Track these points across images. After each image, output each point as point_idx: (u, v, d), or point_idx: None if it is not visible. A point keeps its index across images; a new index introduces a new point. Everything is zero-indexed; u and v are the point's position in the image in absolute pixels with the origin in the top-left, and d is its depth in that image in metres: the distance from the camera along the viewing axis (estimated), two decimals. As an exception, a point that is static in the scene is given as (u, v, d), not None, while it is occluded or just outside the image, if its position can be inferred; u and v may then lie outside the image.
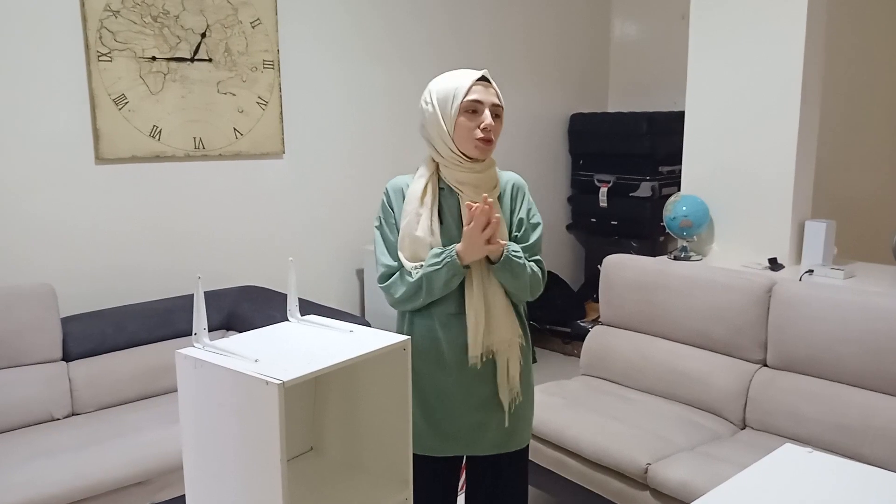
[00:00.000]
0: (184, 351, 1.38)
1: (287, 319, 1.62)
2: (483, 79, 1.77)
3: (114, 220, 3.16)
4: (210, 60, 3.32)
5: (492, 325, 1.79)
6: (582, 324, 4.61)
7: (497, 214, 1.72)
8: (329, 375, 1.62)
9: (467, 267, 1.76)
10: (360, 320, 2.80)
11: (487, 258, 1.77)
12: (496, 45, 4.53)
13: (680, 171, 3.53)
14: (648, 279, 3.01)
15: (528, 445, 1.96)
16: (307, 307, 2.65)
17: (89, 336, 2.86)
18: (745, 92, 3.20)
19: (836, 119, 4.03)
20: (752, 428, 2.65)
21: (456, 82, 1.76)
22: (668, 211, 3.36)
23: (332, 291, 3.92)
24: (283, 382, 1.22)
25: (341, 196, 3.91)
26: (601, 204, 4.73)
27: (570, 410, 2.68)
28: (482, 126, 1.74)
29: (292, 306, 1.60)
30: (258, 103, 3.49)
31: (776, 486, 1.30)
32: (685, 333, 2.90)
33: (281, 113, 3.58)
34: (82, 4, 2.95)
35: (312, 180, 3.78)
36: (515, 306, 1.85)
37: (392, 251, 1.82)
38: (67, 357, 2.82)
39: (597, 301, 3.41)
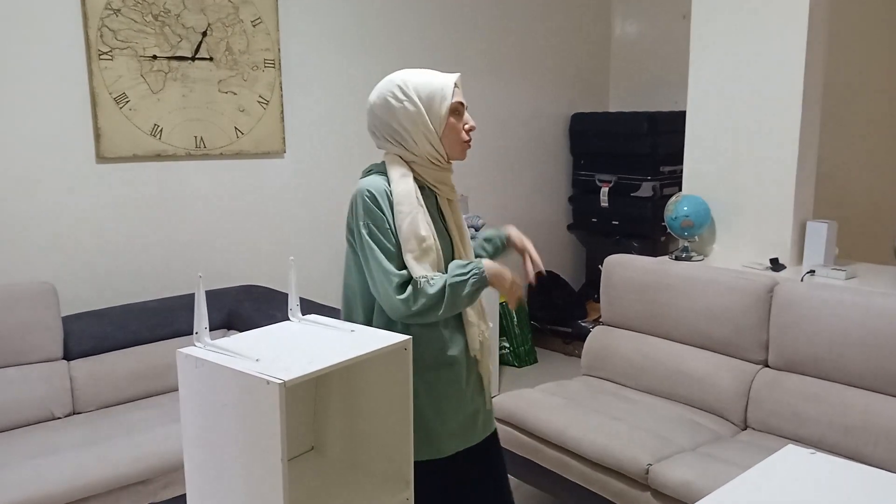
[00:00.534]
0: (185, 350, 1.38)
1: (288, 319, 1.61)
2: None
3: (115, 219, 3.16)
4: (211, 59, 3.32)
5: (480, 315, 1.84)
6: (583, 324, 4.61)
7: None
8: (330, 375, 1.62)
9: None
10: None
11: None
12: (498, 45, 4.52)
13: (681, 170, 3.52)
14: (650, 279, 3.01)
15: (496, 428, 1.98)
16: (308, 306, 2.65)
17: (90, 335, 2.86)
18: (746, 91, 3.20)
19: (837, 118, 4.03)
20: (754, 428, 2.65)
21: (440, 81, 1.72)
22: (670, 211, 3.36)
23: (334, 291, 3.92)
24: (284, 382, 1.21)
25: (342, 195, 3.91)
26: (602, 204, 4.73)
27: (570, 411, 2.67)
28: (467, 128, 1.74)
29: (293, 305, 1.60)
30: (259, 102, 3.49)
31: (778, 487, 1.30)
32: (686, 334, 2.90)
33: (282, 112, 3.57)
34: (83, 3, 2.94)
35: (313, 179, 3.78)
36: None
37: (394, 258, 1.67)
38: (68, 356, 2.82)
39: (598, 301, 3.40)
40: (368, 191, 1.69)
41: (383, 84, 1.74)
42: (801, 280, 2.82)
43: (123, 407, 2.81)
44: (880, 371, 2.37)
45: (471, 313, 1.80)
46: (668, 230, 3.41)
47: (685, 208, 3.30)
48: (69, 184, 3.03)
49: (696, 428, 2.60)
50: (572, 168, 5.04)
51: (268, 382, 1.22)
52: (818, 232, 3.01)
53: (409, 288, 1.65)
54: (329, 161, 3.84)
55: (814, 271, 2.92)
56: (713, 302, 2.80)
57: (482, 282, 1.68)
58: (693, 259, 3.29)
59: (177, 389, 1.51)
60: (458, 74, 1.78)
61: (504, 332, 4.48)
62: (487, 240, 1.97)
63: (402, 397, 1.51)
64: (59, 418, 2.71)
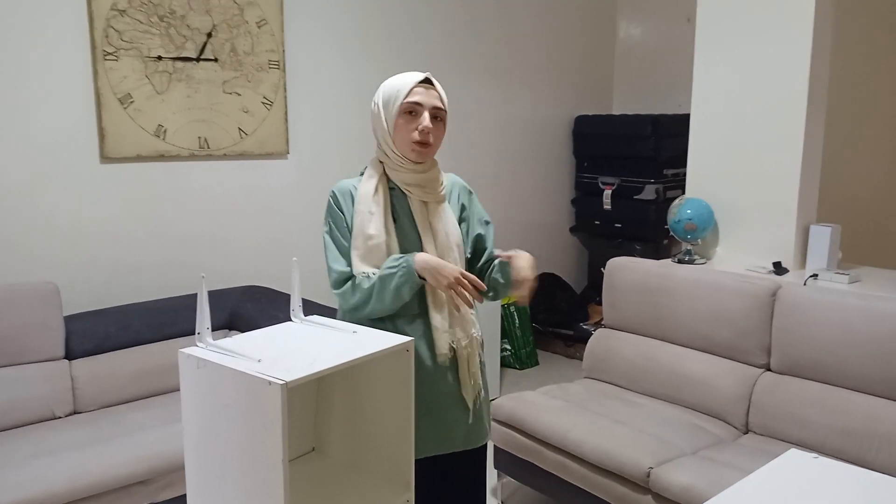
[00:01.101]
0: (187, 350, 1.38)
1: (290, 319, 1.61)
2: (426, 81, 1.77)
3: (118, 219, 3.16)
4: (216, 60, 3.32)
5: (455, 322, 1.80)
6: (585, 326, 4.60)
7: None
8: (332, 376, 1.61)
9: (423, 279, 1.71)
10: (363, 321, 2.80)
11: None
12: (501, 48, 4.52)
13: (684, 174, 3.52)
14: (652, 282, 3.01)
15: (485, 444, 1.94)
16: (310, 307, 2.65)
17: (92, 334, 2.86)
18: (750, 95, 3.19)
19: (841, 123, 4.02)
20: (755, 432, 2.64)
21: (399, 83, 1.76)
22: (673, 214, 3.35)
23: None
24: (286, 383, 1.21)
25: (345, 196, 3.91)
26: (605, 206, 4.72)
27: (572, 413, 2.67)
28: (419, 128, 1.74)
29: (296, 306, 1.60)
30: (263, 103, 3.49)
31: (780, 491, 1.30)
32: (689, 337, 2.89)
33: (286, 113, 3.58)
34: (89, 4, 2.95)
35: (317, 180, 3.78)
36: None
37: (345, 256, 1.76)
38: (70, 355, 2.82)
39: (600, 304, 3.40)
40: (333, 191, 1.81)
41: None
42: (805, 284, 2.82)
43: (125, 407, 2.81)
44: (883, 375, 2.36)
45: (437, 318, 1.77)
46: (671, 233, 3.41)
47: (688, 211, 3.30)
48: (73, 184, 3.03)
49: (698, 431, 2.59)
50: (575, 170, 5.04)
51: (269, 383, 1.22)
52: (822, 235, 3.00)
53: (348, 284, 1.74)
54: (332, 162, 3.84)
55: (817, 275, 2.92)
56: (716, 305, 2.79)
57: (409, 275, 1.69)
58: (696, 262, 3.28)
59: (178, 389, 1.51)
60: (427, 74, 1.78)
61: (505, 334, 4.48)
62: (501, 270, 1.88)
63: (404, 399, 1.51)
64: (61, 418, 2.71)
